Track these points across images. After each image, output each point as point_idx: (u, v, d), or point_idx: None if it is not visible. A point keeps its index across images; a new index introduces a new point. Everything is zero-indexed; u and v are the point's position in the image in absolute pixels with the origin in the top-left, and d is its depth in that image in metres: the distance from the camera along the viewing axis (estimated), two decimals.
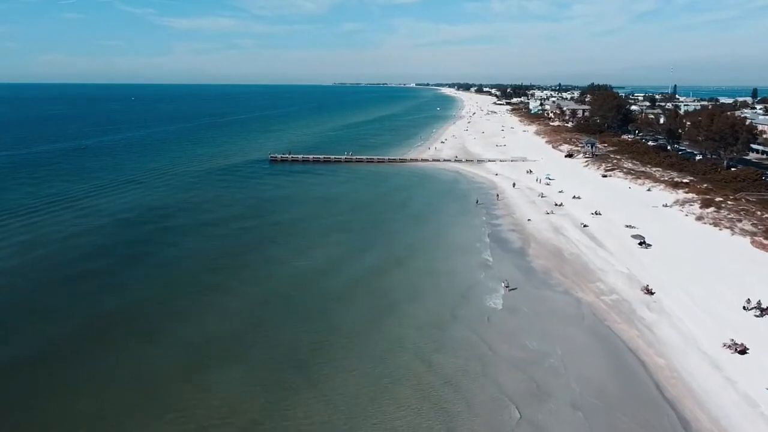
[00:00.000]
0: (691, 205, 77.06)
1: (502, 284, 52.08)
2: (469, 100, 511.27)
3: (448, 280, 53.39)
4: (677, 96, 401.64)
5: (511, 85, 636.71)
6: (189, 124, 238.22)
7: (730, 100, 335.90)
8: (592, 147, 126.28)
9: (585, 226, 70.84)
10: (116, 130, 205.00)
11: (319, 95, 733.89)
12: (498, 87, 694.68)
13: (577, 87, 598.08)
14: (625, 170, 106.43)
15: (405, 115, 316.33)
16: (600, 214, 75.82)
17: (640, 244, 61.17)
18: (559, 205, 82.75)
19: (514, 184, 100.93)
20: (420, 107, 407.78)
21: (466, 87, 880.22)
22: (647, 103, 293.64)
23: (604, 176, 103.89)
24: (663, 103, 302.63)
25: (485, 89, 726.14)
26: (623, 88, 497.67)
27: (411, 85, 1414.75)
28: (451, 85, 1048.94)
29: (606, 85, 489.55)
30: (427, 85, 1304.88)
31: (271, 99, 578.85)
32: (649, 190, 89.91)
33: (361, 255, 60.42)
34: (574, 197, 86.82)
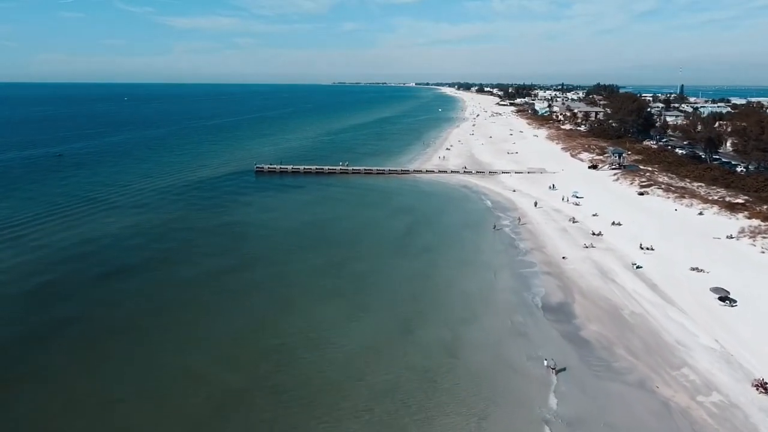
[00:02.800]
0: (764, 236, 62.43)
1: (545, 363, 37.77)
2: (471, 100, 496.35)
3: (471, 363, 38.73)
4: (686, 96, 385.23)
5: (512, 85, 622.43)
6: (176, 127, 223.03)
7: (741, 101, 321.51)
8: (619, 157, 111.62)
9: (638, 267, 56.27)
10: (97, 135, 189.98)
11: (318, 95, 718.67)
12: (499, 87, 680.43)
13: (581, 87, 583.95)
14: (663, 186, 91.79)
15: (405, 117, 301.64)
16: (652, 249, 61.20)
17: (723, 300, 46.57)
18: (598, 235, 68.13)
19: (536, 203, 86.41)
20: (421, 108, 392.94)
21: (466, 87, 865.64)
22: (660, 105, 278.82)
23: (641, 194, 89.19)
24: (676, 105, 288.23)
25: (486, 89, 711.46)
26: (624, 87, 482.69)
27: (411, 84, 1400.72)
28: (451, 85, 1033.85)
29: (612, 85, 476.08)
30: (427, 84, 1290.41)
31: (269, 99, 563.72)
32: (700, 213, 75.21)
33: (360, 320, 45.51)
34: (613, 223, 72.16)
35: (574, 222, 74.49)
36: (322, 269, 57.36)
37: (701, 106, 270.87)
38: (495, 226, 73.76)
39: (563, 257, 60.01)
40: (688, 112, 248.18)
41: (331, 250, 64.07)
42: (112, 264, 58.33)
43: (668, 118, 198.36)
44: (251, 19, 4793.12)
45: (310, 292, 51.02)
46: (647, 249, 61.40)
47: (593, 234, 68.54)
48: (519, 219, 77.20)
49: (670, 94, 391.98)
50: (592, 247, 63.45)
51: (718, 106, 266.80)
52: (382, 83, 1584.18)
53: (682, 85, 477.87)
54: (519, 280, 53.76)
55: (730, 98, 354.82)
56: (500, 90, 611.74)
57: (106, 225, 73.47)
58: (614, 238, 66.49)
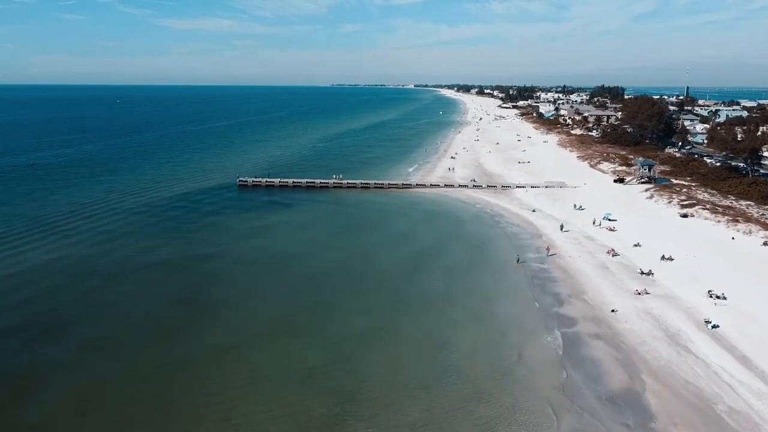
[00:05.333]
0: None
1: None
2: (472, 102, 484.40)
3: None
4: (696, 99, 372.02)
5: (513, 87, 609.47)
6: (161, 133, 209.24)
7: (751, 104, 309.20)
8: (649, 170, 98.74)
9: (714, 326, 43.33)
10: (75, 142, 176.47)
11: (316, 97, 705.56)
12: (499, 88, 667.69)
13: (582, 88, 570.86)
14: (708, 206, 78.86)
15: (405, 120, 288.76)
16: (724, 298, 48.25)
17: None
18: (647, 274, 55.22)
19: (561, 227, 73.52)
20: (421, 111, 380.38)
21: (466, 88, 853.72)
22: (673, 108, 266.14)
23: (684, 216, 76.25)
24: (689, 107, 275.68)
25: (486, 91, 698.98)
26: (625, 89, 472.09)
27: (410, 86, 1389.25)
28: (450, 86, 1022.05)
29: (616, 86, 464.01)
30: (426, 86, 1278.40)
31: (264, 102, 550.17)
32: (766, 243, 62.30)
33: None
34: (663, 258, 59.22)
35: (614, 255, 61.53)
36: (299, 329, 44.41)
37: (715, 109, 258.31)
38: (519, 259, 60.95)
39: (612, 310, 47.01)
40: (703, 115, 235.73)
41: (313, 297, 51.18)
42: (26, 334, 45.07)
43: (685, 122, 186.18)
44: (250, 20, 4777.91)
45: (284, 375, 37.98)
46: (717, 297, 48.45)
47: (641, 273, 55.63)
48: (547, 249, 64.26)
49: (677, 95, 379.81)
50: (646, 293, 50.49)
51: (733, 110, 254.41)
52: (381, 85, 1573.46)
53: (688, 87, 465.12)
54: (561, 347, 40.74)
55: (739, 101, 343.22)
56: (501, 92, 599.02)
57: (43, 261, 60.30)
58: (669, 280, 53.56)
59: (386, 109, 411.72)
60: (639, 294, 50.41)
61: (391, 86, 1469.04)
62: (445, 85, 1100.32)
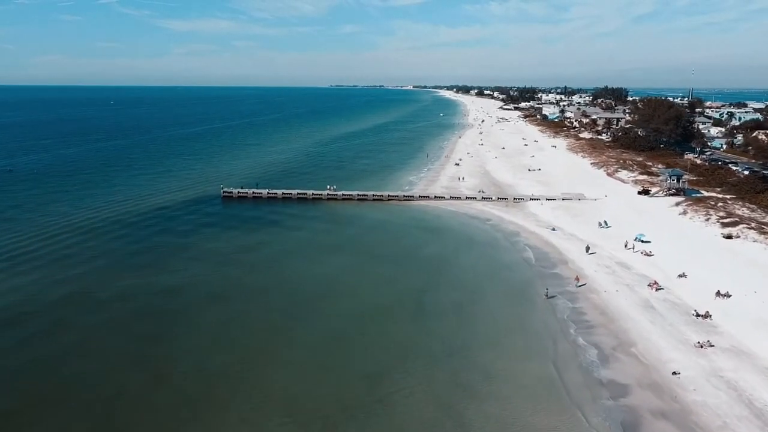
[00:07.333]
0: None
1: None
2: (472, 104, 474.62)
3: None
4: (703, 101, 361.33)
5: (514, 88, 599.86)
6: (148, 137, 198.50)
7: (759, 105, 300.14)
8: (678, 181, 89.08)
9: None
10: (55, 146, 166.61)
11: (314, 98, 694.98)
12: (499, 89, 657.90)
13: (582, 89, 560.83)
14: (752, 224, 69.07)
15: (405, 123, 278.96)
16: None
17: None
18: (705, 317, 45.41)
19: (587, 249, 63.91)
20: (421, 112, 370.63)
21: (465, 89, 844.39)
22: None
23: (728, 237, 66.40)
24: (699, 110, 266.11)
25: (486, 92, 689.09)
26: (628, 90, 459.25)
27: (408, 87, 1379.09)
28: (449, 88, 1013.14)
29: (620, 88, 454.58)
30: (425, 87, 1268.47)
31: (262, 103, 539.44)
32: None
33: None
34: (718, 294, 49.44)
35: (657, 290, 51.73)
36: (301, 404, 34.67)
37: (729, 112, 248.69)
38: (547, 294, 51.18)
39: (674, 372, 37.22)
40: (715, 118, 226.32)
41: (299, 353, 41.40)
42: None
43: (700, 125, 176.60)
44: (250, 22, 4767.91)
45: None
46: None
47: (697, 315, 45.86)
48: (576, 279, 54.57)
49: (681, 97, 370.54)
50: (709, 345, 40.68)
51: (746, 112, 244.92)
52: (380, 86, 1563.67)
53: (692, 89, 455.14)
54: None
55: (746, 102, 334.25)
56: (501, 93, 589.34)
57: None
58: (733, 325, 43.79)
59: (385, 110, 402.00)
60: (701, 347, 40.60)
61: (390, 87, 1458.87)
62: (445, 86, 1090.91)
